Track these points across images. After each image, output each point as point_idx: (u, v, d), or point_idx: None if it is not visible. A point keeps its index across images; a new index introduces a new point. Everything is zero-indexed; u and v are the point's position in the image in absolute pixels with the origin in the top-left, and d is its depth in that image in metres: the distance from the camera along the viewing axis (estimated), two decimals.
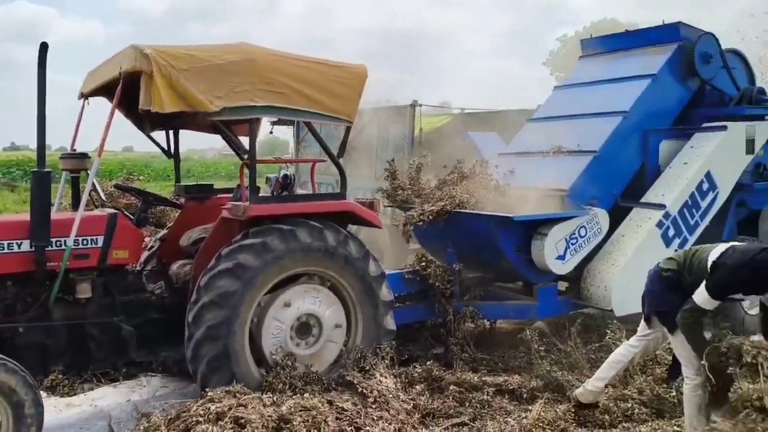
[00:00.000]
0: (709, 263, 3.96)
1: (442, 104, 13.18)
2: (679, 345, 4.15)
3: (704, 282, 3.92)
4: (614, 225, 6.37)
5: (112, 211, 5.11)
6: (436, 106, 12.25)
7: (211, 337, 4.51)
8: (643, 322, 4.54)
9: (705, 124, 6.99)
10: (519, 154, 7.27)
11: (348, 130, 5.39)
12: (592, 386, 4.62)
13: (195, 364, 4.59)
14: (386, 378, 4.66)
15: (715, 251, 4.01)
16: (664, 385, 4.84)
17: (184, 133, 6.08)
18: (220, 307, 4.53)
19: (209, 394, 4.24)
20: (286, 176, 6.14)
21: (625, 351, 4.62)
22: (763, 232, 7.43)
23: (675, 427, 4.28)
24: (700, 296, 3.91)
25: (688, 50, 7.01)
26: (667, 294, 4.20)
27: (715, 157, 6.67)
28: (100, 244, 4.79)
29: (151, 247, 6.01)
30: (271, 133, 12.94)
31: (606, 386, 4.68)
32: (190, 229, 5.69)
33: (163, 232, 6.36)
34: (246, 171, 4.95)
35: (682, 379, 4.25)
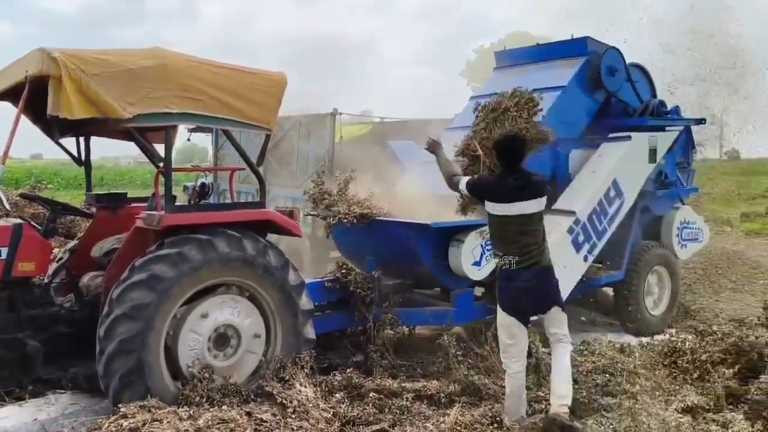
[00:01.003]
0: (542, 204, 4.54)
1: (363, 113, 13.28)
2: (564, 319, 4.61)
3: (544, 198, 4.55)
4: None
5: (18, 221, 4.89)
6: (356, 115, 12.32)
7: (124, 351, 4.37)
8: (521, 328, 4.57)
9: (611, 135, 7.34)
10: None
11: (267, 138, 5.36)
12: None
13: (107, 379, 4.43)
14: (306, 387, 4.65)
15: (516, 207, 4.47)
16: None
17: (97, 140, 5.89)
18: (134, 320, 4.40)
19: (122, 409, 4.10)
20: (203, 185, 6.05)
21: (519, 380, 4.59)
22: (665, 237, 7.86)
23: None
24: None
25: (595, 64, 7.34)
26: (555, 282, 4.63)
27: (620, 165, 7.01)
28: (4, 255, 4.58)
29: (60, 258, 5.77)
30: (188, 140, 12.74)
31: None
32: (101, 240, 5.51)
33: (73, 242, 6.13)
34: (161, 179, 4.84)
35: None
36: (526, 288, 4.48)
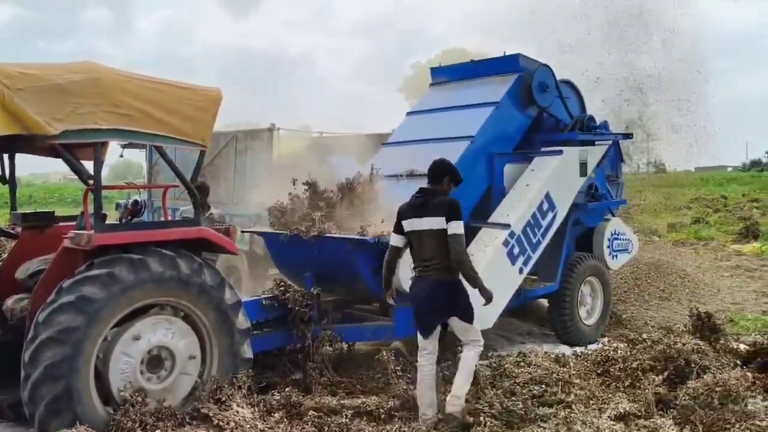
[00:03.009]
0: (441, 224, 4.83)
1: (302, 128, 13.21)
2: (471, 325, 4.95)
3: (452, 222, 4.80)
4: (465, 244, 6.65)
5: None
6: (294, 130, 12.25)
7: (51, 377, 4.21)
8: (426, 337, 4.96)
9: (543, 149, 7.53)
10: None
11: (202, 154, 5.28)
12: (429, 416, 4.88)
13: (32, 407, 4.25)
14: (243, 408, 4.57)
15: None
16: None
17: (26, 155, 5.67)
18: (61, 344, 4.24)
19: None
20: (136, 202, 5.91)
21: (428, 374, 4.94)
22: (596, 248, 8.08)
23: None
24: (460, 227, 4.83)
25: (527, 80, 7.53)
26: (463, 295, 4.94)
27: (553, 179, 7.18)
28: None
29: None
30: (121, 156, 12.41)
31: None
32: (27, 261, 5.30)
33: None
34: (91, 197, 4.70)
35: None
36: (422, 296, 4.97)
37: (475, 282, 4.92)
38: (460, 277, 4.94)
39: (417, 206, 4.97)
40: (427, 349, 4.98)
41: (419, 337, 5.04)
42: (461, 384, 4.86)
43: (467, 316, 4.96)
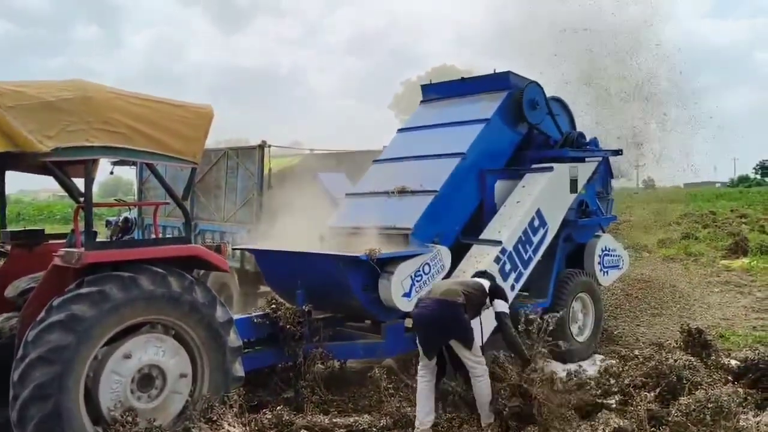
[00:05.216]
0: (487, 288, 5.41)
1: (293, 144, 13.20)
2: (472, 352, 5.11)
3: (496, 300, 5.36)
4: (457, 261, 6.67)
5: None
6: (285, 147, 12.23)
7: (40, 397, 4.16)
8: (430, 358, 5.19)
9: (534, 165, 7.57)
10: (365, 195, 7.46)
11: (193, 171, 5.27)
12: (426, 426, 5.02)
13: (21, 427, 4.20)
14: (234, 427, 4.53)
15: (481, 281, 5.50)
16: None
17: (13, 172, 5.65)
18: (51, 363, 4.20)
19: None
20: (126, 219, 5.91)
21: (427, 384, 5.19)
22: (587, 264, 8.10)
23: None
24: (505, 306, 5.38)
25: (516, 97, 7.58)
26: (463, 319, 5.09)
27: (543, 195, 7.21)
28: None
29: None
30: (111, 173, 12.35)
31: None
32: (17, 279, 5.26)
33: None
34: (82, 214, 4.68)
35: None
36: (426, 314, 5.17)
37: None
38: (462, 301, 5.11)
39: None
40: (428, 365, 5.20)
41: (421, 352, 5.21)
42: (486, 417, 5.14)
43: (466, 338, 5.09)
